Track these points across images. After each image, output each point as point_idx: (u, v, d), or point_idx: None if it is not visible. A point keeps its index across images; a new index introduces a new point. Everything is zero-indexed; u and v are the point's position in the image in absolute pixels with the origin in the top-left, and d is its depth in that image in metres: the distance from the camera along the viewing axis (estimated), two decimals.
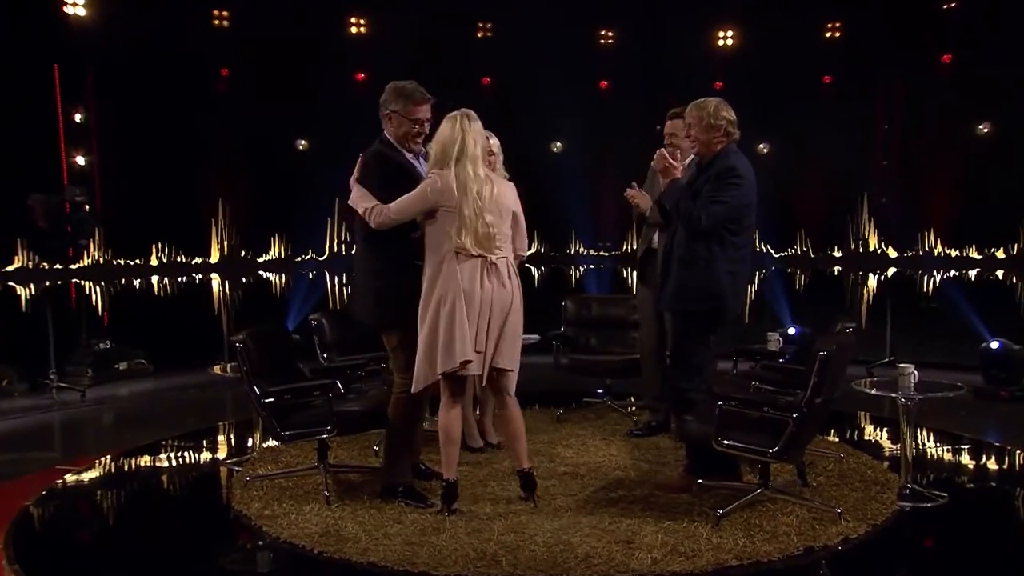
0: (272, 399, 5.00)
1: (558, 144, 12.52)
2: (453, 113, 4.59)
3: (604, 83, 12.44)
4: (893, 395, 4.84)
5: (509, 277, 4.62)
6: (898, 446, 5.22)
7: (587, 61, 11.97)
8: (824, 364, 4.32)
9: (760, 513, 4.60)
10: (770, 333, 6.38)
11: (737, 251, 4.82)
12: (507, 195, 4.70)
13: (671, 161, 5.04)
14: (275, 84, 10.79)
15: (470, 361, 4.50)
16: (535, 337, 6.94)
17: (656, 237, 6.00)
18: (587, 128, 11.78)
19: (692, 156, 5.62)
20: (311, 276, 12.03)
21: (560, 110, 11.57)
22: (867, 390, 5.02)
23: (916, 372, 4.79)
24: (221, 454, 6.46)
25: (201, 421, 7.35)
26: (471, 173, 4.52)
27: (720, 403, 4.56)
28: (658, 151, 5.10)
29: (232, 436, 6.97)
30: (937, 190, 10.91)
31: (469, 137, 4.53)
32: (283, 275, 12.06)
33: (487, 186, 4.55)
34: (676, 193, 4.93)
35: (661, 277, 5.05)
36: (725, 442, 4.57)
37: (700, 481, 4.89)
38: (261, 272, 12.03)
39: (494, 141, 5.30)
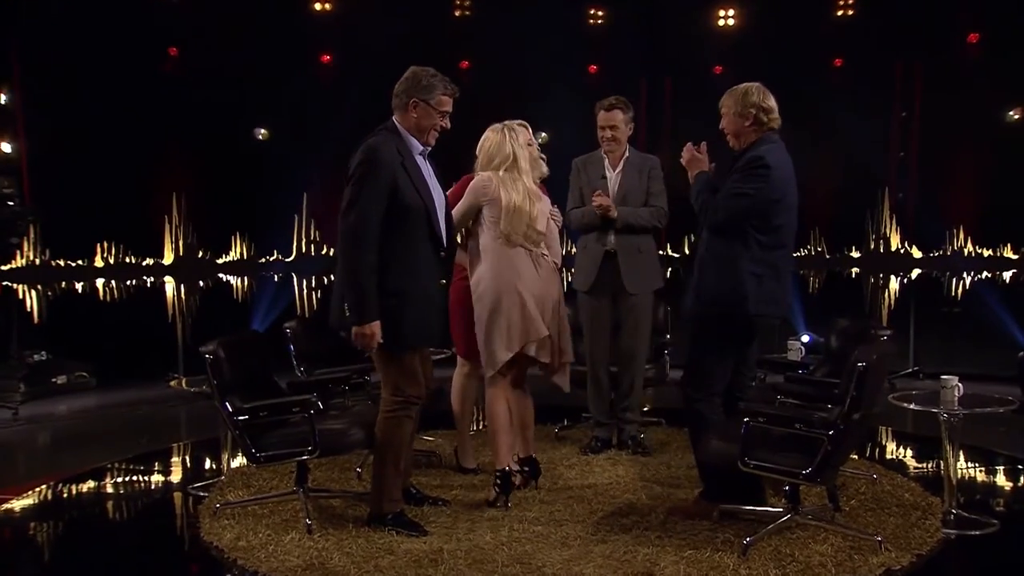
0: (246, 417, 4.94)
1: (543, 134, 12.45)
2: (498, 124, 5.36)
3: (593, 67, 12.37)
4: (935, 410, 4.83)
5: (553, 273, 5.36)
6: (936, 466, 5.24)
7: (575, 43, 11.91)
8: (863, 376, 4.30)
9: (791, 541, 4.58)
10: (791, 342, 6.39)
11: (765, 252, 4.80)
12: (546, 210, 5.40)
13: (697, 152, 5.06)
14: (230, 66, 10.66)
15: (547, 335, 5.27)
16: None
17: (612, 239, 6.23)
18: (575, 116, 11.73)
19: (627, 152, 6.17)
20: (277, 279, 11.96)
21: (545, 96, 11.51)
22: (906, 405, 5.02)
23: (960, 385, 4.79)
24: (183, 479, 6.37)
25: (156, 442, 7.26)
26: (523, 188, 5.25)
27: (746, 419, 4.54)
28: (688, 145, 5.16)
29: (194, 458, 6.89)
30: (963, 184, 10.96)
31: (519, 149, 5.30)
32: (246, 278, 11.97)
33: (536, 203, 5.29)
34: (699, 186, 4.96)
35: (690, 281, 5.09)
36: (752, 462, 4.55)
37: (722, 506, 4.87)
38: (221, 275, 11.91)
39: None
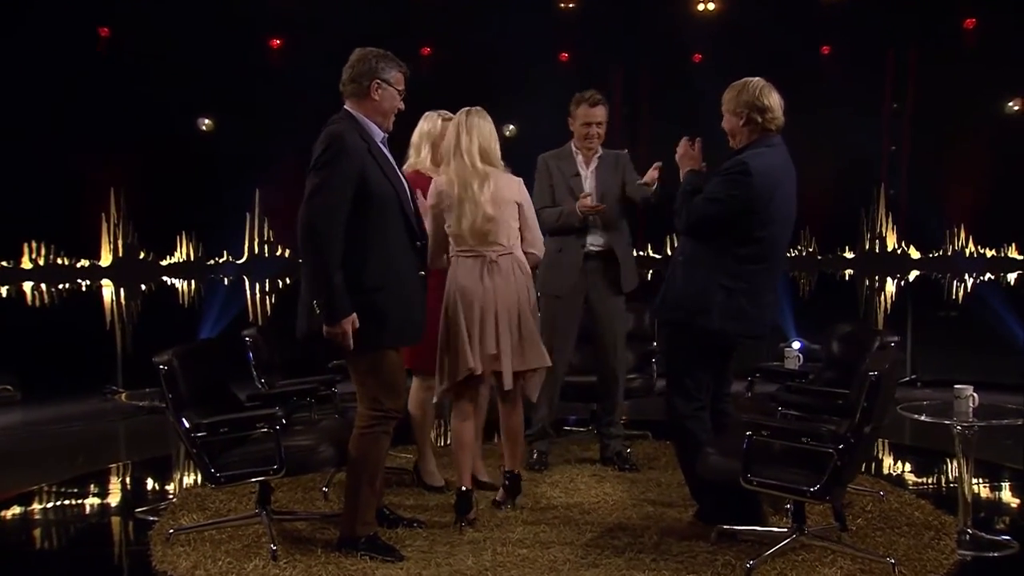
0: (205, 433, 4.86)
1: (511, 127, 12.49)
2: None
3: (564, 55, 12.43)
4: (948, 422, 4.87)
5: (514, 273, 5.20)
6: (943, 481, 5.27)
7: (545, 29, 11.91)
8: (876, 386, 4.32)
9: (797, 564, 4.59)
10: (787, 349, 6.42)
11: (741, 265, 4.81)
12: (508, 187, 5.23)
13: (691, 148, 5.08)
14: (170, 49, 10.54)
15: (472, 369, 5.11)
16: None
17: (592, 240, 6.26)
18: (544, 108, 11.72)
19: (599, 148, 6.19)
20: (227, 283, 11.87)
21: (513, 87, 11.50)
22: (917, 416, 5.05)
23: (976, 395, 4.82)
24: (127, 503, 6.25)
25: (93, 462, 7.13)
26: (468, 166, 5.14)
27: (749, 433, 4.54)
28: (683, 140, 5.18)
29: (139, 479, 6.78)
30: (961, 179, 11.11)
31: (464, 132, 5.19)
32: (193, 282, 11.89)
33: (485, 180, 5.13)
34: (684, 185, 5.02)
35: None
36: (755, 479, 4.55)
37: (721, 527, 4.88)
38: (165, 278, 11.82)
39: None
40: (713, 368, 5.02)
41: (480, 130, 5.20)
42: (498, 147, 5.25)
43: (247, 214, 11.95)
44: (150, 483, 6.65)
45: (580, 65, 12.25)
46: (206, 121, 11.70)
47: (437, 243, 5.23)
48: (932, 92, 11.45)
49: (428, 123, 5.82)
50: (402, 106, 4.84)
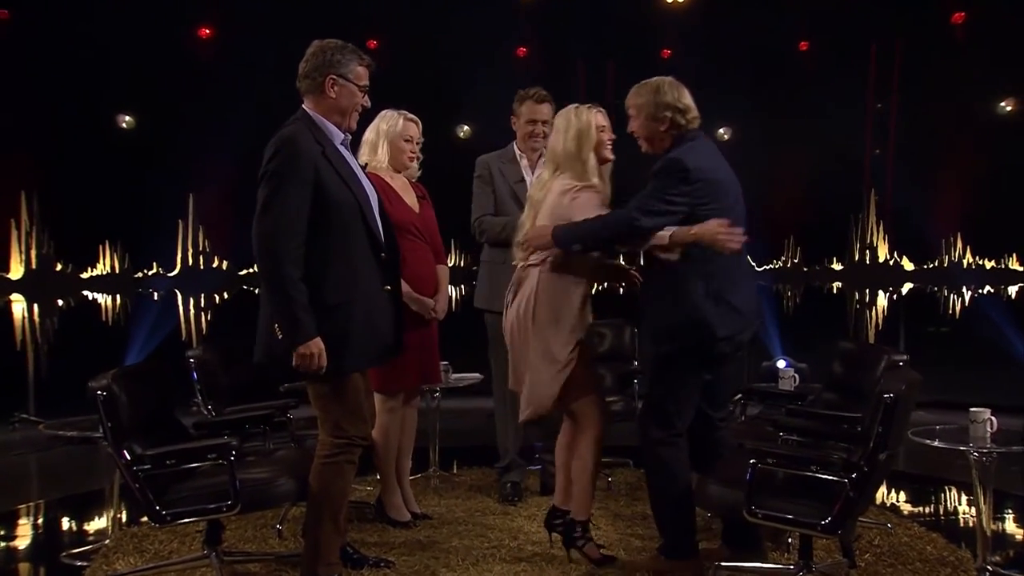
0: (149, 466, 4.77)
1: (465, 128, 12.48)
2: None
3: (523, 49, 12.45)
4: (964, 448, 4.89)
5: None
6: (952, 512, 5.29)
7: (502, 21, 11.97)
8: (891, 410, 4.33)
9: None
10: (781, 368, 6.44)
11: (710, 262, 4.75)
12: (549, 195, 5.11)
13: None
14: (82, 34, 10.43)
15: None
16: (475, 376, 6.93)
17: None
18: (502, 107, 11.71)
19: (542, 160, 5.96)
20: (158, 298, 11.74)
21: (468, 83, 11.52)
22: (929, 442, 5.07)
23: (994, 419, 4.86)
24: (51, 545, 6.13)
25: (4, 500, 6.96)
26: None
27: (753, 460, 4.54)
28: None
29: (63, 519, 6.67)
30: (952, 185, 11.23)
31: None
32: (118, 297, 11.74)
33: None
34: (574, 227, 4.90)
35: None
36: (760, 512, 4.54)
37: (721, 563, 4.86)
38: (86, 292, 11.66)
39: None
40: (699, 388, 5.00)
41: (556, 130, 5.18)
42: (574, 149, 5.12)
43: (179, 222, 11.81)
44: (76, 523, 6.52)
45: (540, 59, 12.27)
46: (126, 118, 11.54)
47: None
48: (919, 90, 11.58)
49: (387, 122, 5.80)
50: (366, 103, 4.80)
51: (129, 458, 4.78)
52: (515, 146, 6.38)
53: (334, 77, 4.64)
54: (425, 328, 5.79)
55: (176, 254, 11.91)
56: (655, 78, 4.91)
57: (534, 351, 5.01)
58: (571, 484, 5.19)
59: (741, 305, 4.86)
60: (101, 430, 4.88)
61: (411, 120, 5.88)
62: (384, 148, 5.78)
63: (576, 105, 5.12)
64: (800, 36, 12.12)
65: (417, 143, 5.93)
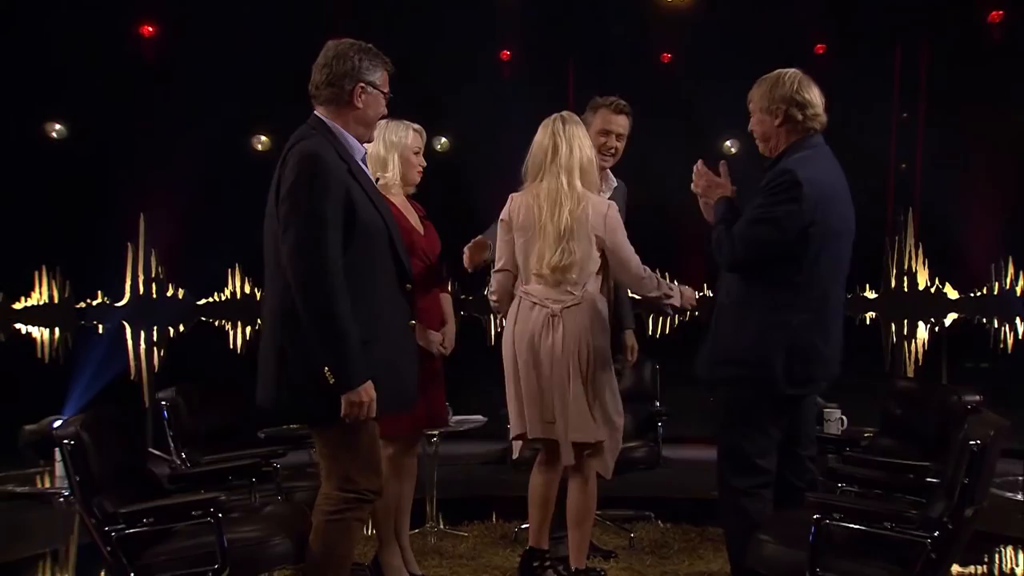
0: (124, 525, 4.65)
1: (443, 140, 12.46)
2: (547, 119, 5.45)
3: (506, 53, 12.46)
4: None
5: (580, 328, 5.29)
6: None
7: (484, 23, 11.93)
8: (979, 459, 4.27)
9: None
10: (827, 410, 6.39)
11: (799, 294, 4.77)
12: (596, 215, 5.33)
13: (713, 176, 5.11)
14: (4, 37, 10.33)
15: (522, 435, 5.43)
16: (479, 419, 6.88)
17: None
18: (483, 115, 11.72)
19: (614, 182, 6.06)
20: (103, 332, 11.65)
21: (446, 90, 11.49)
22: (1012, 495, 5.03)
23: None
24: None
25: None
26: (564, 185, 5.30)
27: (817, 516, 4.47)
28: (697, 166, 5.17)
29: None
30: (992, 203, 11.21)
31: (563, 141, 5.32)
32: (57, 330, 11.62)
33: (580, 206, 5.28)
34: (717, 216, 5.00)
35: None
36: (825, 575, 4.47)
37: None
38: (19, 325, 11.56)
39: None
40: (780, 430, 4.95)
41: (581, 142, 5.35)
42: (588, 162, 5.39)
43: (128, 245, 11.67)
44: None
45: (525, 65, 12.25)
46: (56, 126, 11.40)
47: (507, 278, 5.52)
48: (949, 98, 11.61)
49: (395, 134, 5.71)
50: (385, 112, 4.75)
51: (100, 516, 4.66)
52: None
53: (363, 85, 4.56)
54: (430, 364, 5.70)
55: (125, 282, 11.80)
56: (778, 70, 4.91)
57: (605, 403, 5.39)
58: (548, 523, 5.56)
59: (824, 347, 4.84)
60: (68, 484, 4.81)
61: (418, 131, 5.81)
62: (395, 163, 5.69)
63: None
64: (816, 38, 12.11)
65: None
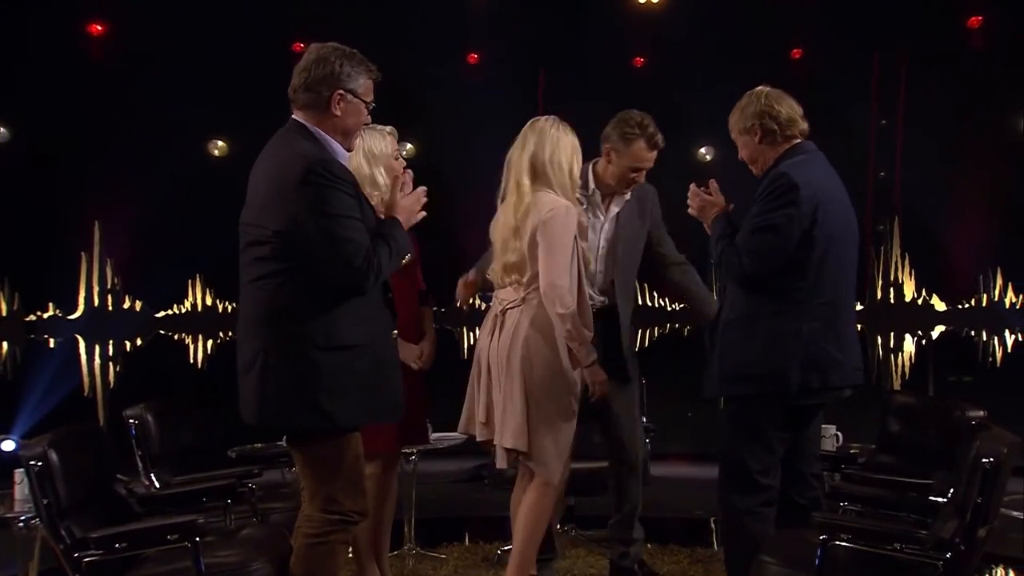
0: (95, 551, 4.59)
1: (408, 146, 12.41)
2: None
3: (474, 56, 12.44)
4: None
5: (521, 332, 5.25)
6: None
7: (452, 24, 11.92)
8: (993, 477, 4.28)
9: None
10: (823, 426, 6.38)
11: (808, 300, 4.81)
12: (537, 212, 5.24)
13: (706, 193, 5.16)
14: None
15: (467, 433, 5.62)
16: (457, 436, 6.81)
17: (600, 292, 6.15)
18: (449, 120, 11.70)
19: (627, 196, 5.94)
20: (54, 346, 11.58)
21: (412, 94, 11.43)
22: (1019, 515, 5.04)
23: None
24: None
25: None
26: (513, 186, 5.35)
27: (823, 536, 4.46)
28: (691, 189, 5.21)
29: None
30: (976, 212, 11.28)
31: (519, 142, 5.37)
32: (4, 344, 11.60)
33: (522, 204, 5.27)
34: (716, 233, 5.04)
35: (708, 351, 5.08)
36: None
37: None
38: None
39: None
40: (785, 444, 4.95)
41: (539, 138, 5.31)
42: (566, 164, 5.28)
43: (82, 255, 11.59)
44: None
45: (493, 69, 12.22)
46: (0, 129, 11.29)
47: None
48: (928, 104, 11.67)
49: (375, 144, 5.61)
50: (368, 121, 4.75)
51: (69, 542, 4.62)
52: (593, 182, 5.97)
53: (342, 92, 4.52)
54: (410, 379, 5.64)
55: (78, 293, 11.69)
56: (756, 88, 5.00)
57: (544, 406, 5.23)
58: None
59: (837, 353, 4.84)
60: (31, 508, 4.80)
61: (391, 133, 5.75)
62: (382, 177, 5.58)
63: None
64: (792, 43, 12.16)
65: None
